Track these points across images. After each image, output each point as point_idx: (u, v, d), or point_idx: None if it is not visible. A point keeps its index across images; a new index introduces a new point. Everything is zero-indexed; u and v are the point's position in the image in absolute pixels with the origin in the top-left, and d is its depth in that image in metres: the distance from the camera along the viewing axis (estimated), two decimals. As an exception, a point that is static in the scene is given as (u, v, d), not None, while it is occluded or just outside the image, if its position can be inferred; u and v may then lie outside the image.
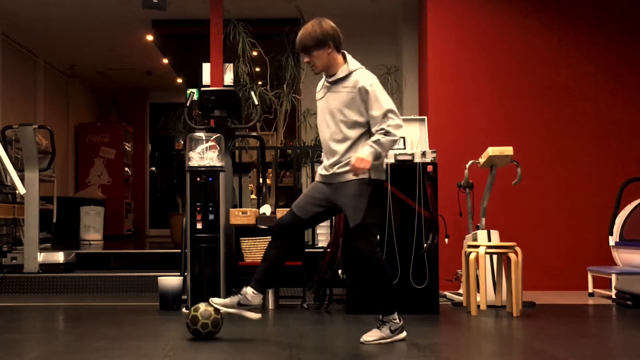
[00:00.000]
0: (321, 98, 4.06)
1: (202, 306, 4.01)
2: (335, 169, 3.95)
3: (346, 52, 4.03)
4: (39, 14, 8.75)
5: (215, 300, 4.02)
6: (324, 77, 4.06)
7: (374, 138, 3.85)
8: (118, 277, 6.41)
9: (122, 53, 10.63)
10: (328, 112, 3.99)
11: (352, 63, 4.00)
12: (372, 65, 7.76)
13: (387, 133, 3.84)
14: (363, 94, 3.89)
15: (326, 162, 4.00)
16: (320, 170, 4.07)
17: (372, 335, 3.94)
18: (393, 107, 3.91)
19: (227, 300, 4.02)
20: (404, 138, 5.40)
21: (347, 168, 3.89)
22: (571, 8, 7.07)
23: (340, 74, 3.96)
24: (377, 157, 3.87)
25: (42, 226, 6.96)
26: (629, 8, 7.07)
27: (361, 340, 3.93)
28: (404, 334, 3.99)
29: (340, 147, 3.93)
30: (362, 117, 3.92)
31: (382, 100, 3.89)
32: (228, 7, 7.50)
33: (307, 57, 3.95)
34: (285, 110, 7.82)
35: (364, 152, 3.81)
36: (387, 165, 5.13)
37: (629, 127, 6.99)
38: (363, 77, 3.93)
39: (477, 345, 4.16)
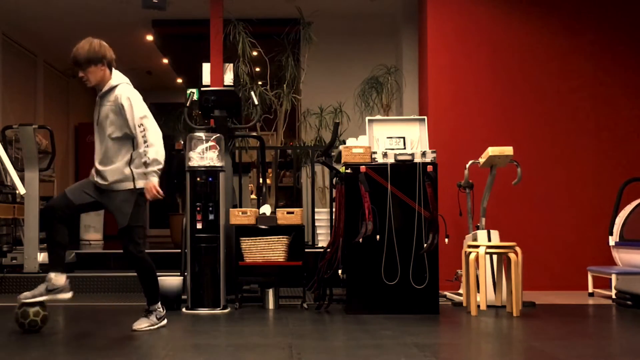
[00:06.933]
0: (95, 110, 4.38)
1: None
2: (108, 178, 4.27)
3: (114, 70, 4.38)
4: (39, 14, 8.75)
5: (25, 296, 4.23)
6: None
7: (144, 159, 4.14)
8: (118, 277, 6.41)
9: (122, 53, 10.56)
10: (97, 123, 4.33)
11: (116, 78, 4.37)
12: (372, 65, 7.87)
13: (147, 146, 4.14)
14: (120, 108, 4.23)
15: (99, 167, 4.30)
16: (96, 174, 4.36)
17: (142, 323, 4.30)
18: (148, 113, 4.21)
19: (36, 291, 4.25)
20: (404, 138, 5.40)
21: (117, 177, 4.24)
22: (571, 8, 7.07)
23: (106, 88, 4.33)
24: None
25: (42, 226, 6.96)
26: (629, 8, 7.07)
27: (133, 328, 4.26)
28: (165, 321, 4.41)
29: (111, 157, 4.24)
30: (121, 129, 4.23)
31: (137, 110, 4.20)
32: (228, 7, 7.50)
33: (82, 72, 4.34)
34: (285, 110, 7.82)
35: (154, 181, 4.14)
36: (387, 165, 5.19)
37: (629, 127, 6.99)
38: (123, 91, 4.28)
39: (477, 345, 4.16)
